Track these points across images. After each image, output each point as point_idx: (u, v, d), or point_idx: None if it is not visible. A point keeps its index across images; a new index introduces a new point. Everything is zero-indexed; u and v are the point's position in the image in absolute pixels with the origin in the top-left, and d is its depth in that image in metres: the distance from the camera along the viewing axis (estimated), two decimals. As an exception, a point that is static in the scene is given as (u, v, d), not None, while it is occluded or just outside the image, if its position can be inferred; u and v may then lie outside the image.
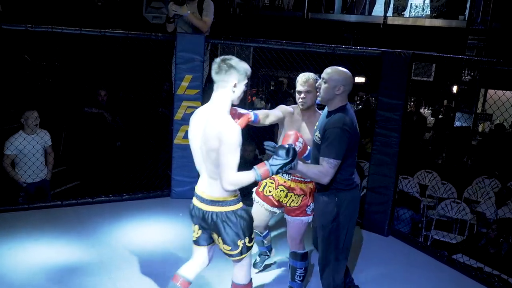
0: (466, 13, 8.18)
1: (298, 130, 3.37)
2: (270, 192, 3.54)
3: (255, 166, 2.62)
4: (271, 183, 3.53)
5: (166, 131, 6.03)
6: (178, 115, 5.26)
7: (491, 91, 9.09)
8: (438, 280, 4.09)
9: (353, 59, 4.92)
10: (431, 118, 10.17)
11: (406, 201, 5.76)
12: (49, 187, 5.42)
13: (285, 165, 2.59)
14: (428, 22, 8.59)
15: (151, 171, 5.73)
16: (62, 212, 4.90)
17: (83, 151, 6.58)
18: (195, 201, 2.89)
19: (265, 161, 2.64)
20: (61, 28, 4.89)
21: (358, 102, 11.57)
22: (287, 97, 8.74)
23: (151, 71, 6.83)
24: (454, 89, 9.02)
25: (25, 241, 4.22)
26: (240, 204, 2.81)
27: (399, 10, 9.09)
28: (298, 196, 3.44)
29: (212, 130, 2.61)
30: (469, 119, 8.28)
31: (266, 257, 4.04)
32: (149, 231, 4.62)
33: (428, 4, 9.03)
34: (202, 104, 5.21)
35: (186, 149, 5.26)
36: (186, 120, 5.24)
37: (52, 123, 6.35)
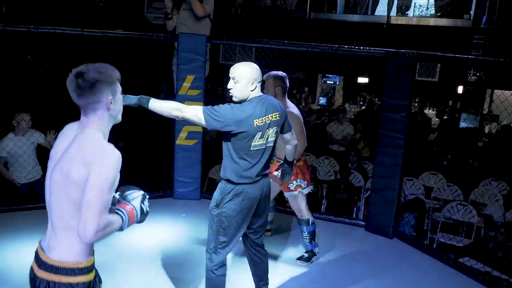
0: (472, 12, 8.09)
1: None
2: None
3: (117, 207, 2.02)
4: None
5: (165, 131, 6.00)
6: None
7: (497, 92, 9.01)
8: (444, 284, 4.03)
9: (356, 59, 4.86)
10: (436, 119, 10.10)
11: (411, 204, 5.70)
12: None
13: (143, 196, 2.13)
14: (432, 22, 8.51)
15: (153, 172, 5.69)
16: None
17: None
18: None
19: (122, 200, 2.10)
20: (63, 29, 4.87)
21: (361, 103, 11.54)
22: (290, 98, 8.69)
23: (151, 71, 6.79)
24: (460, 89, 8.96)
25: (25, 241, 4.18)
26: (87, 277, 1.95)
27: (403, 9, 9.02)
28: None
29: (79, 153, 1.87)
30: (475, 120, 8.21)
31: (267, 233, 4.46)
32: (152, 231, 4.56)
33: (433, 3, 8.95)
34: (205, 104, 5.21)
35: (188, 150, 5.27)
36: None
37: (54, 124, 6.32)
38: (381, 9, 8.71)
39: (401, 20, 8.62)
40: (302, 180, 4.11)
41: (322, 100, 11.66)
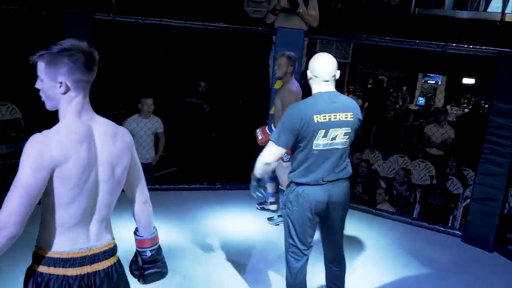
0: None
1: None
2: None
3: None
4: None
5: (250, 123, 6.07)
6: (274, 109, 5.22)
7: None
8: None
9: (464, 59, 4.58)
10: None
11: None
12: (152, 170, 5.66)
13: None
14: (553, 20, 7.80)
15: (242, 163, 5.79)
16: (160, 196, 5.08)
17: (182, 139, 6.80)
18: (91, 266, 1.83)
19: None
20: (168, 21, 5.06)
21: (464, 105, 10.87)
22: (387, 96, 8.40)
23: (235, 63, 6.88)
24: None
25: (124, 221, 4.43)
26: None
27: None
28: None
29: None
30: None
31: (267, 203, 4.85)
32: (240, 221, 4.70)
33: (554, 1, 8.20)
34: (303, 97, 5.18)
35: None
36: (282, 115, 5.20)
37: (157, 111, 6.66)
38: (494, 6, 8.12)
39: (517, 18, 7.98)
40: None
41: (421, 101, 11.13)
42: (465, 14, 7.98)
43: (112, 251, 1.92)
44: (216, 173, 5.81)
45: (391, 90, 11.11)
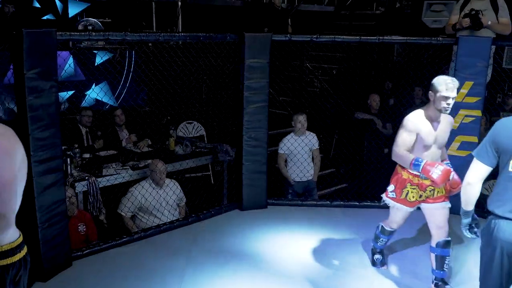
0: None
1: (435, 136, 3.47)
2: (413, 197, 3.55)
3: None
4: (413, 189, 3.53)
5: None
6: (454, 124, 4.96)
7: None
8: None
9: None
10: None
11: None
12: (315, 187, 5.76)
13: None
14: None
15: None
16: (330, 212, 5.18)
17: (353, 156, 6.81)
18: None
19: None
20: (342, 38, 5.17)
21: None
22: None
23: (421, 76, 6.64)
24: None
25: (296, 233, 4.62)
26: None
27: None
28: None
29: None
30: None
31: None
32: (409, 240, 4.51)
33: None
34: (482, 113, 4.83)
35: (461, 160, 4.95)
36: (463, 129, 4.93)
37: (325, 127, 6.79)
38: None
39: None
40: None
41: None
42: None
43: None
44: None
45: None
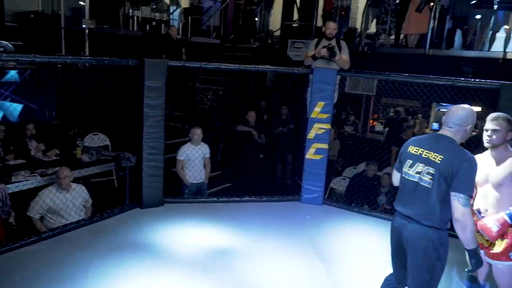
0: None
1: (486, 172, 2.86)
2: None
3: None
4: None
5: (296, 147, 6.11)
6: (311, 135, 5.29)
7: None
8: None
9: (471, 91, 4.51)
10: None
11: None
12: (206, 188, 5.74)
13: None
14: (550, 57, 7.51)
15: (283, 179, 5.83)
16: (217, 207, 5.22)
17: (235, 160, 6.94)
18: None
19: None
20: (225, 65, 5.27)
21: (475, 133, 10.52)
22: (404, 122, 8.31)
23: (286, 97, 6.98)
24: None
25: (190, 226, 4.58)
26: None
27: (520, 45, 8.10)
28: (501, 240, 2.84)
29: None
30: None
31: None
32: (282, 228, 4.70)
33: (551, 40, 7.90)
34: (331, 125, 5.17)
35: (316, 163, 5.31)
36: (317, 139, 5.26)
37: (213, 138, 6.83)
38: (497, 46, 7.93)
39: (518, 56, 7.74)
40: None
41: (435, 126, 10.91)
42: (472, 53, 7.83)
43: None
44: (263, 188, 5.87)
45: (409, 117, 10.93)
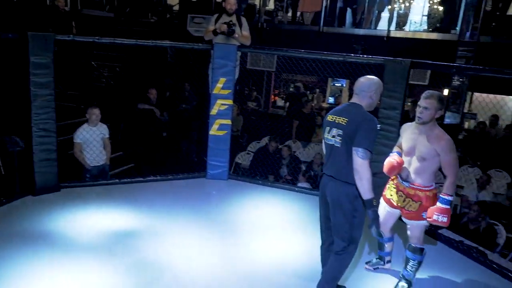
0: (458, 28, 7.97)
1: (414, 144, 3.13)
2: (391, 195, 3.32)
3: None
4: (394, 187, 3.30)
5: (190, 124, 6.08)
6: (214, 111, 5.30)
7: (476, 94, 8.85)
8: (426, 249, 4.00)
9: (361, 66, 4.86)
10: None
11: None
12: (108, 169, 5.52)
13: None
14: (425, 35, 8.40)
15: (188, 156, 5.79)
16: (120, 189, 5.02)
17: (137, 140, 6.70)
18: None
19: None
20: (121, 40, 4.97)
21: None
22: (303, 97, 8.74)
23: (179, 75, 6.85)
24: (445, 92, 8.85)
25: (90, 210, 4.35)
26: None
27: (401, 25, 8.93)
28: (416, 202, 3.16)
29: None
30: (457, 118, 8.11)
31: (381, 263, 3.62)
32: (187, 205, 4.69)
33: (425, 20, 8.84)
34: (234, 100, 5.23)
35: (219, 139, 5.36)
36: (220, 115, 5.28)
37: (113, 117, 6.49)
38: (382, 25, 8.63)
39: (399, 34, 8.52)
40: None
41: (331, 99, 11.66)
42: (361, 31, 8.41)
43: None
44: (168, 166, 5.77)
45: (308, 92, 11.50)
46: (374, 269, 3.59)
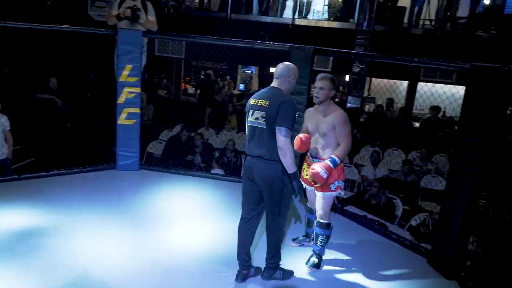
0: (356, 18, 8.51)
1: (316, 123, 3.40)
2: (307, 175, 3.48)
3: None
4: (307, 167, 3.51)
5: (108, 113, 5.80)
6: (121, 99, 5.08)
7: (374, 80, 9.59)
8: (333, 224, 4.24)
9: (268, 53, 4.97)
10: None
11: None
12: (10, 163, 5.06)
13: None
14: (326, 24, 8.84)
15: (97, 148, 5.51)
16: (21, 185, 4.63)
17: (38, 132, 6.19)
18: None
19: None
20: (14, 23, 4.53)
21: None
22: (214, 84, 8.73)
23: (82, 62, 6.47)
24: (347, 77, 9.42)
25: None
26: None
27: (304, 13, 9.28)
28: None
29: None
30: (358, 101, 8.69)
31: (307, 240, 3.82)
32: (97, 198, 4.48)
33: (327, 10, 9.29)
34: (142, 89, 5.06)
35: (128, 128, 5.16)
36: (128, 103, 5.09)
37: (9, 108, 5.91)
38: (287, 13, 8.90)
39: (303, 22, 8.87)
40: (342, 182, 3.42)
41: (242, 86, 11.78)
42: (268, 19, 8.59)
43: None
44: (74, 159, 5.42)
45: (218, 79, 11.50)
46: (299, 245, 3.78)
